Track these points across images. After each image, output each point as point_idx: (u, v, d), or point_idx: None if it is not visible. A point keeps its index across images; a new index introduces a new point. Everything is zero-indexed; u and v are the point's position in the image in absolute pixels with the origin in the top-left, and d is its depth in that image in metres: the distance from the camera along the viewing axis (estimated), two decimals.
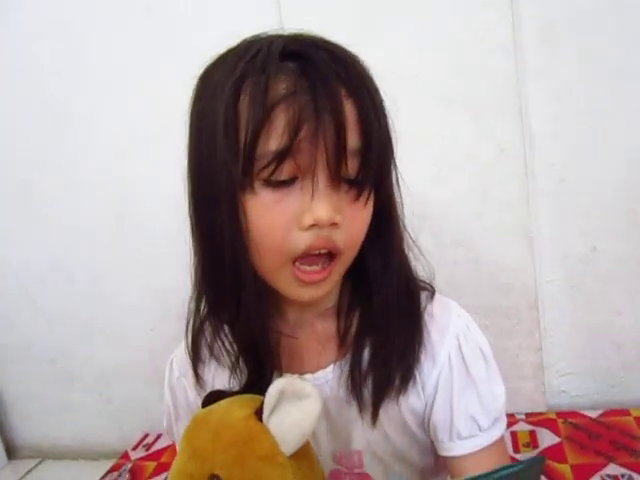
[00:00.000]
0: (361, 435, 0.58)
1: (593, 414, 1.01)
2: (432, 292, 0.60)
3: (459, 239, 1.06)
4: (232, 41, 1.14)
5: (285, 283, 0.51)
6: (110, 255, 1.28)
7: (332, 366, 0.57)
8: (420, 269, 0.61)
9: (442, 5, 0.97)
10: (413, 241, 0.59)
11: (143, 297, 1.29)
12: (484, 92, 0.98)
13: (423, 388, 0.56)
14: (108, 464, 1.39)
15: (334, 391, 0.57)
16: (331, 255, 0.49)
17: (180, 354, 0.64)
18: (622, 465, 0.87)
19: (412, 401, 0.56)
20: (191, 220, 0.55)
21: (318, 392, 0.47)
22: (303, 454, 0.49)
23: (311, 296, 0.51)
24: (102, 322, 1.34)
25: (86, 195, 1.25)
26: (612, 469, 0.87)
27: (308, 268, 0.49)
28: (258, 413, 0.47)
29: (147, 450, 1.17)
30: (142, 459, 1.14)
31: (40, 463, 1.46)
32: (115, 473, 1.10)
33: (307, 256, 0.48)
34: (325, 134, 0.44)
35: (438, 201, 1.04)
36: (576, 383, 1.10)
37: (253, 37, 0.50)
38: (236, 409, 0.49)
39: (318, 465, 0.52)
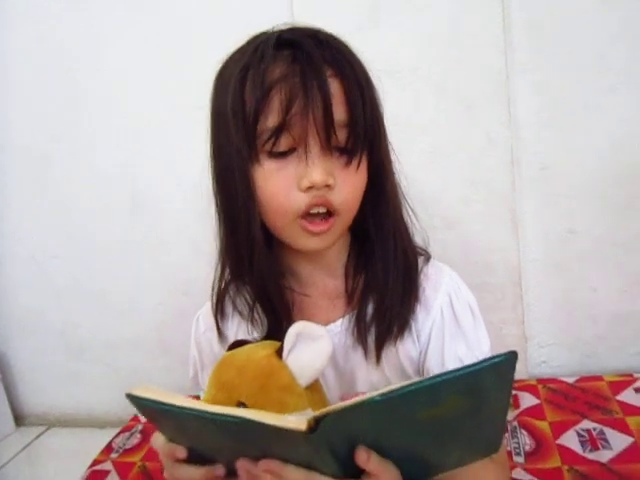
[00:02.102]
0: (365, 378, 0.66)
1: (570, 380, 1.11)
2: (427, 257, 0.69)
3: (450, 222, 1.15)
4: (243, 33, 1.24)
5: (294, 236, 0.59)
6: (122, 232, 1.35)
7: (340, 320, 0.65)
8: (420, 240, 0.70)
9: (440, 5, 1.05)
10: (411, 209, 0.68)
11: (153, 273, 1.36)
12: (476, 85, 1.07)
13: (418, 337, 0.65)
14: (114, 432, 1.46)
15: (341, 341, 0.65)
16: (329, 213, 0.58)
17: (206, 312, 0.72)
18: (595, 421, 0.97)
19: (408, 348, 0.65)
20: (214, 195, 0.64)
21: (329, 334, 0.56)
22: (315, 388, 0.57)
23: (317, 245, 0.60)
24: (112, 296, 1.40)
25: (101, 175, 1.32)
26: (586, 424, 0.97)
27: (314, 220, 0.58)
28: (278, 352, 0.55)
29: None
30: None
31: (47, 430, 1.52)
32: (127, 433, 1.17)
33: (308, 215, 0.57)
34: (314, 109, 0.53)
35: (431, 186, 1.13)
36: (555, 354, 1.19)
37: (256, 34, 0.60)
38: (259, 350, 0.57)
39: (327, 399, 0.60)
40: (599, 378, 1.10)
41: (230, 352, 0.60)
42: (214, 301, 0.70)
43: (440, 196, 1.12)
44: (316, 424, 0.39)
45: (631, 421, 0.96)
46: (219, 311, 0.70)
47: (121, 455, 1.09)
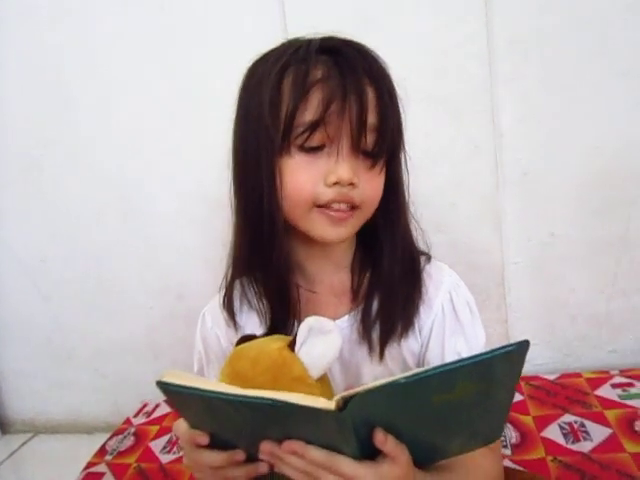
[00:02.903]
0: (369, 372, 0.69)
1: (551, 377, 1.16)
2: (428, 257, 0.72)
3: (438, 225, 1.19)
4: (237, 40, 1.27)
5: (313, 224, 0.61)
6: (112, 236, 1.36)
7: (346, 316, 0.68)
8: (421, 241, 0.73)
9: (427, 18, 1.10)
10: (412, 216, 0.72)
11: (143, 277, 1.37)
12: (462, 95, 1.12)
13: (420, 332, 0.68)
14: (102, 437, 1.46)
15: (347, 337, 0.67)
16: (351, 207, 0.61)
17: (212, 308, 0.74)
18: (575, 414, 1.02)
19: (411, 343, 0.68)
20: (234, 191, 0.66)
21: (339, 329, 0.59)
22: (325, 380, 0.60)
23: (334, 235, 0.62)
24: (101, 300, 1.41)
25: (92, 179, 1.33)
26: (567, 418, 1.02)
27: (336, 206, 0.60)
28: (290, 345, 0.57)
29: (148, 417, 1.25)
30: (144, 424, 1.22)
31: (33, 437, 1.51)
32: (120, 436, 1.18)
33: (329, 207, 0.60)
34: (350, 111, 0.56)
35: (420, 191, 1.16)
36: (537, 353, 1.24)
37: (293, 39, 0.63)
38: (270, 343, 0.60)
39: (333, 391, 0.63)
40: (578, 375, 1.16)
41: (242, 345, 0.62)
42: (224, 295, 0.72)
43: (429, 200, 1.15)
44: (344, 404, 0.42)
45: (609, 414, 1.01)
46: (229, 305, 0.71)
47: (115, 457, 1.10)
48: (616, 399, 1.06)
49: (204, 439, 0.51)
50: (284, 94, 0.58)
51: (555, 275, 1.22)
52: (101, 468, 1.07)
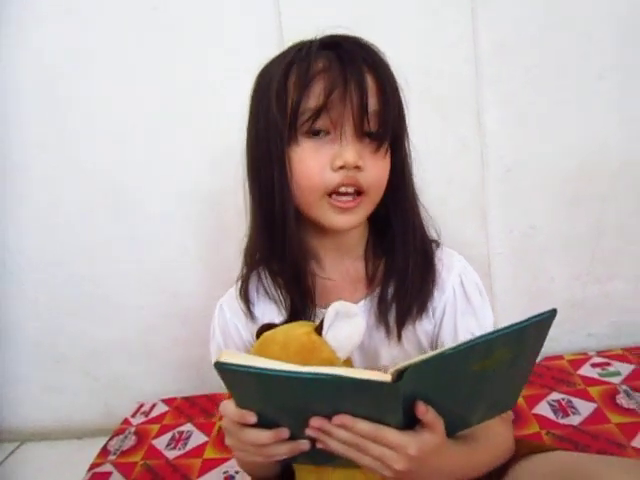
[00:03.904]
0: (387, 353, 0.73)
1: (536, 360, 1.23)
2: (438, 244, 0.77)
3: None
4: (229, 42, 1.28)
5: (323, 212, 0.65)
6: (103, 237, 1.35)
7: (362, 302, 0.73)
8: (432, 229, 0.78)
9: (419, 23, 1.16)
10: (421, 204, 0.77)
11: (137, 276, 1.37)
12: (451, 96, 1.18)
13: (433, 313, 0.72)
14: (92, 442, 1.43)
15: (364, 321, 0.72)
16: (358, 193, 0.65)
17: (229, 300, 0.77)
18: (562, 392, 1.10)
19: (425, 324, 0.73)
20: (249, 185, 0.70)
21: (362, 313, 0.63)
22: (350, 362, 0.64)
23: (344, 223, 0.66)
24: (92, 301, 1.39)
25: (84, 177, 1.31)
26: (555, 396, 1.09)
27: (343, 198, 0.64)
28: (317, 329, 0.61)
29: (146, 416, 1.25)
30: (144, 423, 1.22)
31: (21, 445, 1.47)
32: (121, 436, 1.18)
33: (338, 192, 0.64)
34: (351, 97, 0.61)
35: None
36: None
37: (298, 42, 0.67)
38: (298, 328, 0.63)
39: None
40: (560, 357, 1.24)
41: (267, 333, 0.65)
42: (240, 287, 0.74)
43: (420, 196, 1.22)
44: (398, 377, 0.46)
45: (592, 390, 1.10)
46: (246, 296, 0.74)
47: (120, 456, 1.10)
48: (597, 377, 1.14)
49: (252, 418, 0.53)
50: (289, 89, 0.62)
51: (536, 265, 1.30)
52: (107, 468, 1.07)
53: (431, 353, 0.47)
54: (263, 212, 0.68)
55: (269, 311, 0.73)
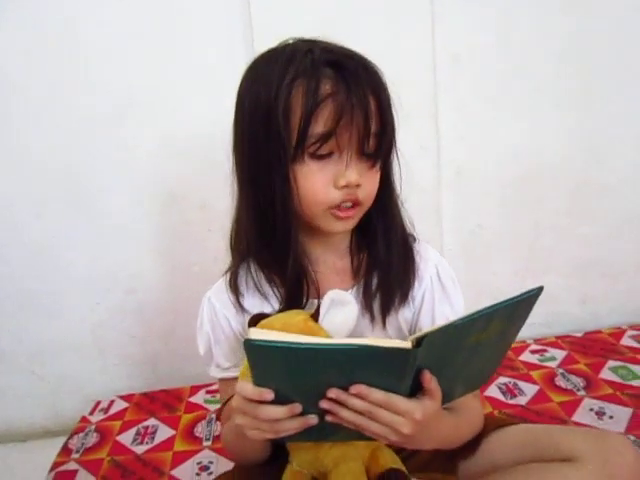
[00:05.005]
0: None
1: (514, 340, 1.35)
2: (414, 237, 0.84)
3: None
4: (195, 38, 1.28)
5: (325, 222, 0.70)
6: (55, 231, 1.30)
7: (350, 291, 0.77)
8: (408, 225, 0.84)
9: (377, 31, 1.23)
10: (401, 203, 0.83)
11: (90, 271, 1.33)
12: (411, 101, 1.25)
13: (413, 301, 0.78)
14: (37, 444, 1.39)
15: (357, 308, 0.76)
16: (354, 204, 0.70)
17: (217, 292, 0.78)
18: (508, 376, 1.22)
19: (405, 312, 0.78)
20: (241, 181, 0.72)
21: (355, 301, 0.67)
22: None
23: (342, 228, 0.71)
24: (41, 298, 1.34)
25: (34, 171, 1.26)
26: (502, 380, 1.21)
27: (343, 211, 0.68)
28: (313, 316, 0.65)
29: (105, 413, 1.22)
30: (104, 420, 1.19)
31: None
32: (81, 434, 1.14)
33: (338, 207, 0.68)
34: (357, 122, 0.64)
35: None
36: None
37: (290, 43, 0.69)
38: (294, 315, 0.66)
39: None
40: None
41: (264, 321, 0.67)
42: (230, 279, 0.76)
43: None
44: (417, 344, 0.51)
45: (534, 374, 1.22)
46: (236, 288, 0.76)
47: (84, 454, 1.07)
48: (537, 362, 1.27)
49: (270, 395, 0.55)
50: (294, 105, 0.64)
51: (481, 261, 1.41)
52: (71, 466, 1.03)
53: (443, 323, 0.52)
54: (259, 212, 0.70)
55: (259, 302, 0.76)
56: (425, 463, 0.78)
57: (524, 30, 1.27)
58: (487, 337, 0.56)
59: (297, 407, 0.56)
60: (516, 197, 1.38)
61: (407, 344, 0.51)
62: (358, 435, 0.60)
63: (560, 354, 1.30)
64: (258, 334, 0.52)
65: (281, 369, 0.54)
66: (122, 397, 1.30)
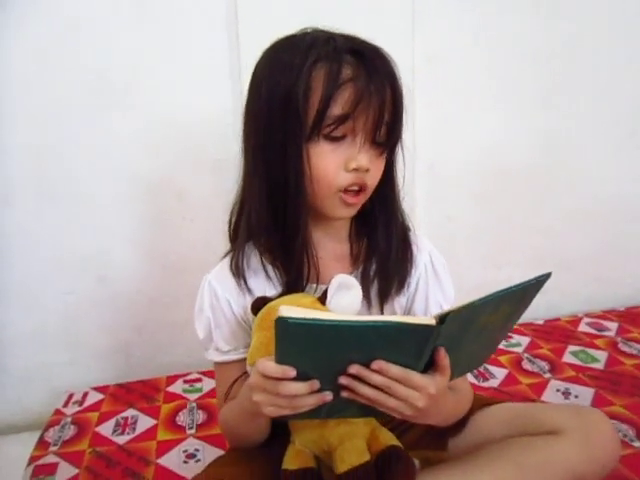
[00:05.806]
0: None
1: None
2: (409, 227, 0.87)
3: None
4: (179, 23, 1.25)
5: (332, 206, 0.72)
6: (25, 218, 1.26)
7: None
8: None
9: (362, 29, 1.23)
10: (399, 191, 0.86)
11: (61, 260, 1.29)
12: None
13: (407, 288, 0.82)
14: (5, 440, 1.33)
15: (361, 291, 0.76)
16: (361, 189, 0.73)
17: (218, 275, 0.79)
18: None
19: (401, 298, 0.82)
20: (253, 160, 0.73)
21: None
22: None
23: (347, 214, 0.74)
24: (9, 286, 1.29)
25: (6, 159, 1.22)
26: None
27: (350, 194, 0.71)
28: (321, 299, 0.67)
29: (80, 405, 1.19)
30: (80, 412, 1.16)
31: None
32: (57, 427, 1.11)
33: (346, 190, 0.71)
34: (374, 108, 0.67)
35: None
36: None
37: (309, 32, 0.71)
38: (301, 298, 0.69)
39: None
40: None
41: (270, 304, 0.69)
42: (237, 261, 0.77)
43: None
44: (440, 321, 0.53)
45: (502, 359, 1.29)
46: (240, 270, 0.77)
47: (63, 446, 1.04)
48: (503, 347, 1.34)
49: (292, 372, 0.56)
50: (314, 86, 0.66)
51: (448, 252, 1.46)
52: (50, 459, 1.00)
53: (464, 303, 0.54)
54: (271, 197, 0.71)
55: (261, 285, 0.77)
56: (416, 441, 0.82)
57: (498, 33, 1.34)
58: (495, 320, 0.59)
59: (316, 383, 0.58)
60: (483, 191, 1.45)
61: (432, 321, 0.53)
62: (364, 412, 0.62)
63: (524, 340, 1.38)
64: (291, 312, 0.51)
65: (308, 346, 0.54)
66: (96, 389, 1.27)
